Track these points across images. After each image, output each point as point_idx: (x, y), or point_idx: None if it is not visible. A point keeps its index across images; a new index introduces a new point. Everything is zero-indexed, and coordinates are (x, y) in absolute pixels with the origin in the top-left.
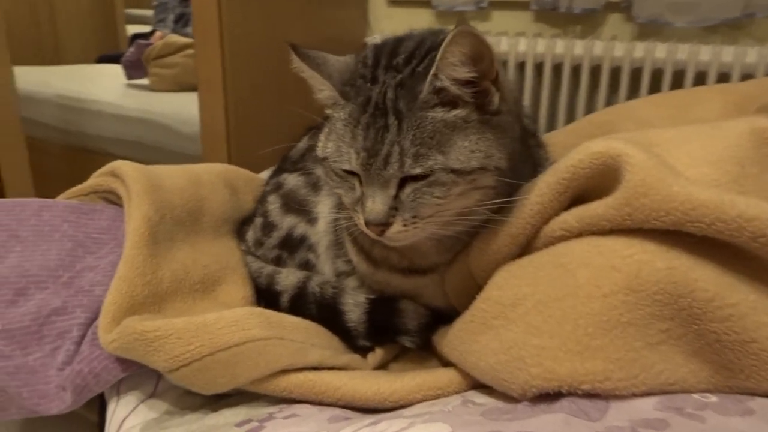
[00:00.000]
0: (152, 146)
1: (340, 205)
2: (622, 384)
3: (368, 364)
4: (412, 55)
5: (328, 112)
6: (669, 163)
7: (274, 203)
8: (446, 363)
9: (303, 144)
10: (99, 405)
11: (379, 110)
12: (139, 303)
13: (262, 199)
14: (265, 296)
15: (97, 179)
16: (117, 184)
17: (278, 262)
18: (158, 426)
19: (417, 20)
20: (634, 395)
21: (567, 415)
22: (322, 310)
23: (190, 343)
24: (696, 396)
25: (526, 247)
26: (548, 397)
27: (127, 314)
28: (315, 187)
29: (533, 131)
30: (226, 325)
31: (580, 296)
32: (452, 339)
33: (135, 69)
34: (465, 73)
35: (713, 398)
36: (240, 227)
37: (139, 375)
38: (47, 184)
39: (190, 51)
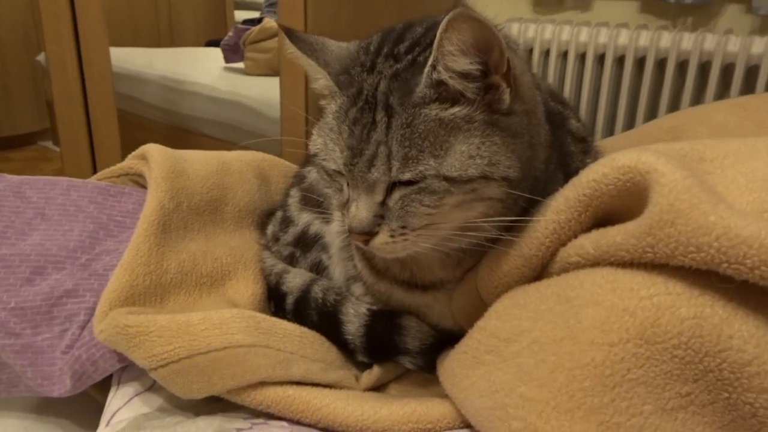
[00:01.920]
0: (240, 128)
1: None
2: None
3: (361, 384)
4: (416, 43)
5: (323, 103)
6: (710, 186)
7: (294, 196)
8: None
9: None
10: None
11: (368, 104)
12: (139, 293)
13: (286, 191)
14: (274, 296)
15: (129, 161)
16: (145, 167)
17: (291, 260)
18: (138, 427)
19: (512, 8)
20: None
21: None
22: (322, 318)
23: (169, 342)
24: None
25: (541, 271)
26: None
27: (125, 304)
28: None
29: (581, 135)
30: (210, 327)
31: (580, 341)
32: (447, 369)
33: (233, 53)
34: (466, 64)
35: None
36: (263, 219)
37: (139, 367)
38: None
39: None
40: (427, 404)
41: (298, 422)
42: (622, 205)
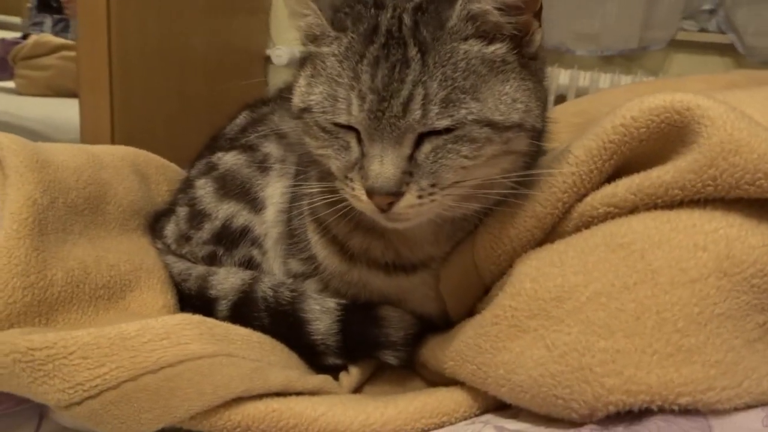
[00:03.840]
0: None
1: (320, 178)
2: (725, 395)
3: (344, 387)
4: None
5: (310, 48)
6: (753, 118)
7: (204, 187)
8: (434, 383)
9: (242, 119)
10: None
11: (393, 40)
12: (17, 313)
13: (185, 186)
14: (195, 304)
15: None
16: None
17: (212, 260)
18: None
19: None
20: (736, 408)
21: None
22: (278, 320)
23: (101, 364)
24: None
25: (550, 233)
26: (628, 416)
27: (1, 327)
28: (262, 166)
29: None
30: (154, 338)
31: (660, 283)
32: (462, 349)
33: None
34: None
35: None
36: (154, 222)
37: (12, 416)
38: None
39: (66, 53)
40: (436, 395)
41: None
42: (648, 150)
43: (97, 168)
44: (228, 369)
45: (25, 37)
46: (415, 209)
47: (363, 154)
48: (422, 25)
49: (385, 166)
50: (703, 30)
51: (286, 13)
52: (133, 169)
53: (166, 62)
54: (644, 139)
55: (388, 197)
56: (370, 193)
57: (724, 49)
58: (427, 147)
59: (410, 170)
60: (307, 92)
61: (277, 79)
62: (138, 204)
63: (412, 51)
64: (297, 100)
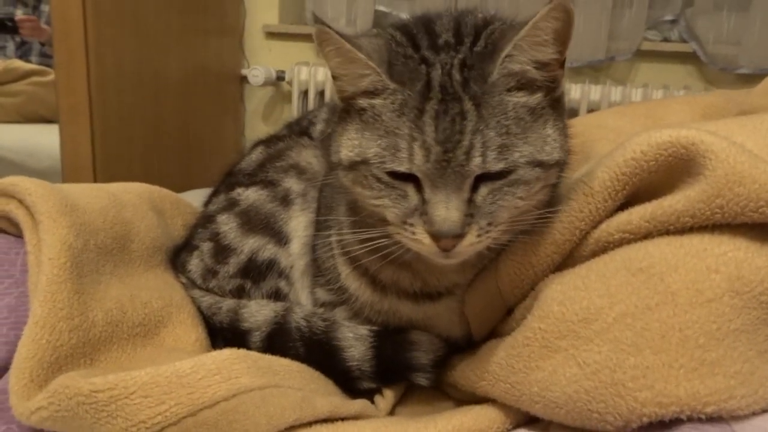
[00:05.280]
0: None
1: (356, 222)
2: (744, 402)
3: (381, 410)
4: (459, 33)
5: (359, 102)
6: (750, 150)
7: (228, 223)
8: (462, 401)
9: (258, 155)
10: None
11: (449, 95)
12: (65, 355)
13: (205, 221)
14: (227, 337)
15: None
16: (12, 206)
17: (239, 293)
18: None
19: (294, 53)
20: (754, 414)
21: None
22: (313, 349)
23: (161, 401)
24: None
25: (567, 258)
26: (659, 425)
27: (51, 371)
28: (285, 200)
29: None
30: (208, 374)
31: (679, 303)
32: (495, 369)
33: None
34: (550, 54)
35: None
36: (174, 256)
37: None
38: None
39: (37, 78)
40: (470, 414)
41: None
42: (656, 180)
43: (119, 208)
44: (279, 399)
45: None
46: (473, 247)
47: (424, 201)
48: (471, 80)
49: (450, 210)
50: (666, 39)
51: (260, 34)
52: (150, 206)
53: (143, 85)
54: (653, 171)
55: (453, 239)
56: (436, 236)
57: (687, 58)
58: (483, 190)
59: (471, 212)
60: (360, 145)
61: (253, 99)
62: (159, 240)
63: (468, 104)
64: (348, 153)
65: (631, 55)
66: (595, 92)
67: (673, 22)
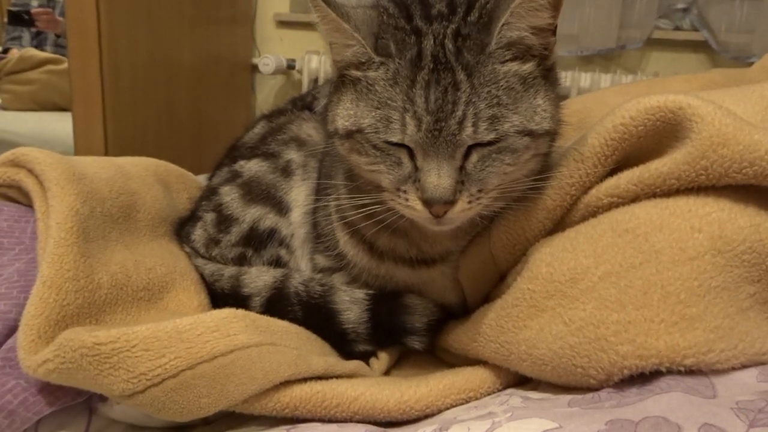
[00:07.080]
0: None
1: (353, 189)
2: (723, 356)
3: (375, 371)
4: (452, 2)
5: (351, 73)
6: (736, 114)
7: (230, 194)
8: (454, 365)
9: (260, 129)
10: None
11: (441, 65)
12: (71, 314)
13: (209, 194)
14: (229, 302)
15: None
16: (22, 175)
17: (241, 261)
18: None
19: (305, 41)
20: (733, 368)
21: (683, 394)
22: (310, 312)
23: (161, 355)
24: None
25: (558, 224)
26: (640, 379)
27: (57, 328)
28: (285, 171)
29: None
30: (206, 330)
31: (662, 261)
32: (485, 331)
33: None
34: (546, 18)
35: None
36: (179, 228)
37: (65, 411)
38: None
39: (51, 66)
40: (462, 374)
41: (330, 420)
42: (645, 145)
43: (126, 179)
44: (275, 356)
45: (5, 51)
46: (464, 213)
47: (417, 169)
48: (465, 50)
49: (442, 178)
50: (677, 28)
51: (271, 23)
52: (156, 179)
53: (155, 73)
54: (642, 135)
55: (445, 206)
56: (428, 203)
57: (698, 46)
58: (474, 158)
59: (461, 179)
60: (355, 114)
61: (264, 88)
62: (164, 212)
63: (460, 75)
64: (344, 122)
65: (642, 44)
66: (605, 81)
67: (685, 10)
